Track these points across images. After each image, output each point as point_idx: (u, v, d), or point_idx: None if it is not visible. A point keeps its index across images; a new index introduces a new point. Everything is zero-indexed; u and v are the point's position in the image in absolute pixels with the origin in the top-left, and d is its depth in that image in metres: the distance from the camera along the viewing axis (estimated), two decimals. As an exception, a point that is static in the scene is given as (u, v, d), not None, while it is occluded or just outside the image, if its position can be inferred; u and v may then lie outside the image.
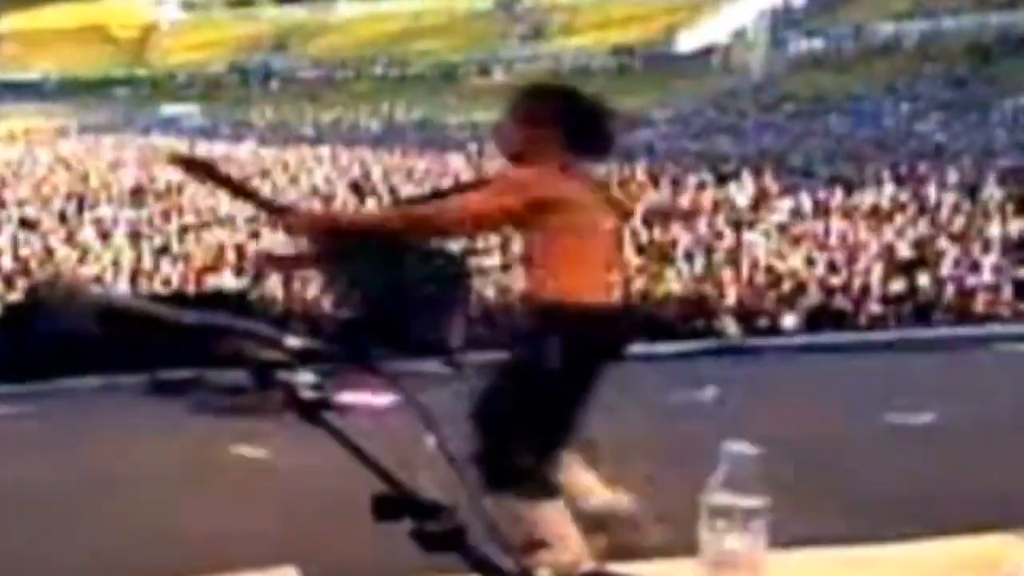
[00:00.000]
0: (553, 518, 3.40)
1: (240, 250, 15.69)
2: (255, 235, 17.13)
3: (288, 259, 5.24)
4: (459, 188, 4.31)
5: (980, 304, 11.56)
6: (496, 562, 0.99)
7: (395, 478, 1.08)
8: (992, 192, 18.16)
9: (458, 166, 27.38)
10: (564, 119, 3.68)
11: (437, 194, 4.25)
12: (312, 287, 12.91)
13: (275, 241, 16.58)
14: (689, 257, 14.68)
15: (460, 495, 1.12)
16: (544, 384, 3.52)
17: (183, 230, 18.18)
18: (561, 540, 3.36)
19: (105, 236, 17.73)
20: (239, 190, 4.36)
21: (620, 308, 3.79)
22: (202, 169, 4.14)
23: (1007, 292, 11.81)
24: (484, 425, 3.48)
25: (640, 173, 23.57)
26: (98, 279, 13.96)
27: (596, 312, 3.55)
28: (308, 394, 1.22)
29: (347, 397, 5.85)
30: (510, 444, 3.46)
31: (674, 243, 15.77)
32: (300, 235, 3.93)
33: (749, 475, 1.66)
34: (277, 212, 4.01)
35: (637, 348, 9.50)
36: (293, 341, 1.28)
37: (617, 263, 3.86)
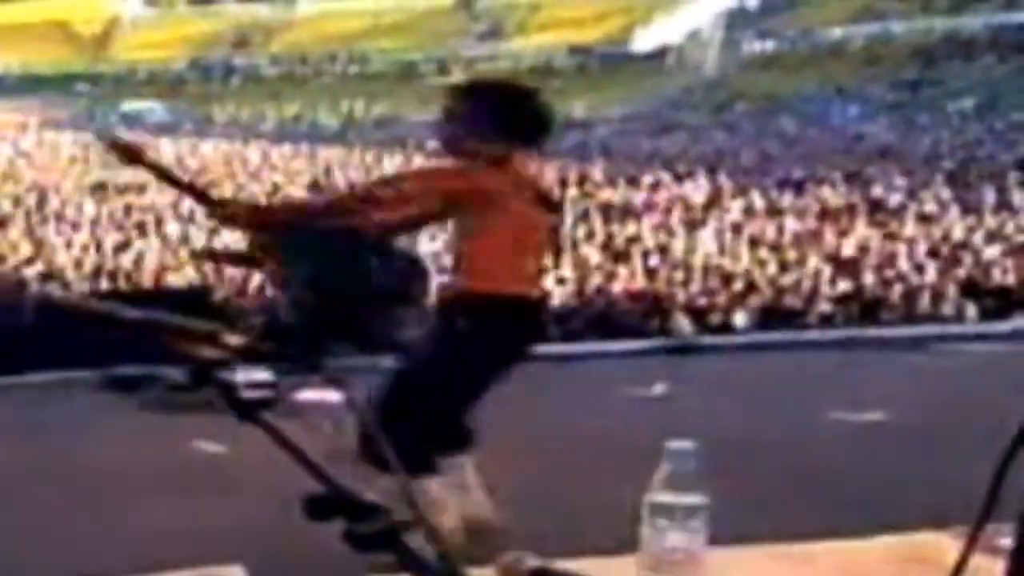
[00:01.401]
0: (428, 492, 3.54)
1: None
2: (215, 231, 17.00)
3: (232, 255, 5.15)
4: (388, 181, 4.37)
5: (925, 304, 11.71)
6: (429, 562, 0.99)
7: (330, 478, 1.08)
8: (938, 193, 18.40)
9: (417, 164, 27.30)
10: (491, 114, 3.78)
11: (367, 187, 4.39)
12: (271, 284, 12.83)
13: (233, 238, 16.50)
14: (644, 255, 14.75)
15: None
16: (441, 370, 3.70)
17: (143, 226, 18.04)
18: (432, 513, 3.47)
19: (66, 232, 17.56)
20: (170, 179, 4.39)
21: (537, 300, 3.82)
22: (130, 154, 4.17)
23: (951, 292, 11.97)
24: (376, 406, 3.62)
25: (596, 172, 23.64)
26: (56, 275, 13.79)
27: (507, 302, 3.65)
28: (246, 393, 1.21)
29: (304, 395, 5.84)
30: (396, 424, 3.42)
31: (631, 240, 15.85)
32: (235, 227, 3.95)
33: (690, 473, 1.68)
34: (211, 204, 4.04)
35: (589, 346, 9.57)
36: (233, 338, 1.27)
37: (541, 256, 3.89)
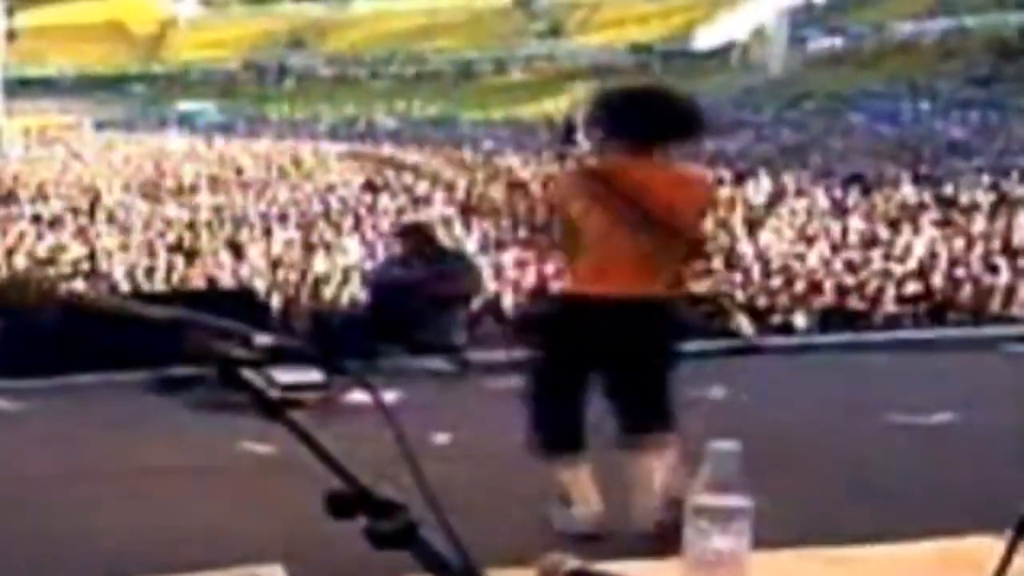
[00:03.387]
0: (569, 474, 4.00)
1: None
2: (268, 232, 17.17)
3: None
4: None
5: (996, 305, 11.49)
6: (447, 560, 0.98)
7: (353, 477, 1.07)
8: (1012, 191, 18.07)
9: (474, 165, 27.34)
10: (601, 121, 4.03)
11: None
12: (324, 285, 12.91)
13: (286, 239, 16.62)
14: (707, 256, 14.64)
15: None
16: (547, 364, 4.12)
17: (195, 227, 18.22)
18: (578, 496, 3.97)
19: (118, 233, 17.78)
20: None
21: (623, 300, 3.93)
22: None
23: (1023, 292, 11.73)
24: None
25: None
26: (107, 276, 13.98)
27: (589, 303, 3.91)
28: (273, 392, 1.20)
29: (354, 396, 5.85)
30: (534, 413, 4.08)
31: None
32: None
33: (734, 474, 1.65)
34: None
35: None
36: (261, 338, 1.26)
37: (639, 258, 3.93)
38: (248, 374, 1.23)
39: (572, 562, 1.32)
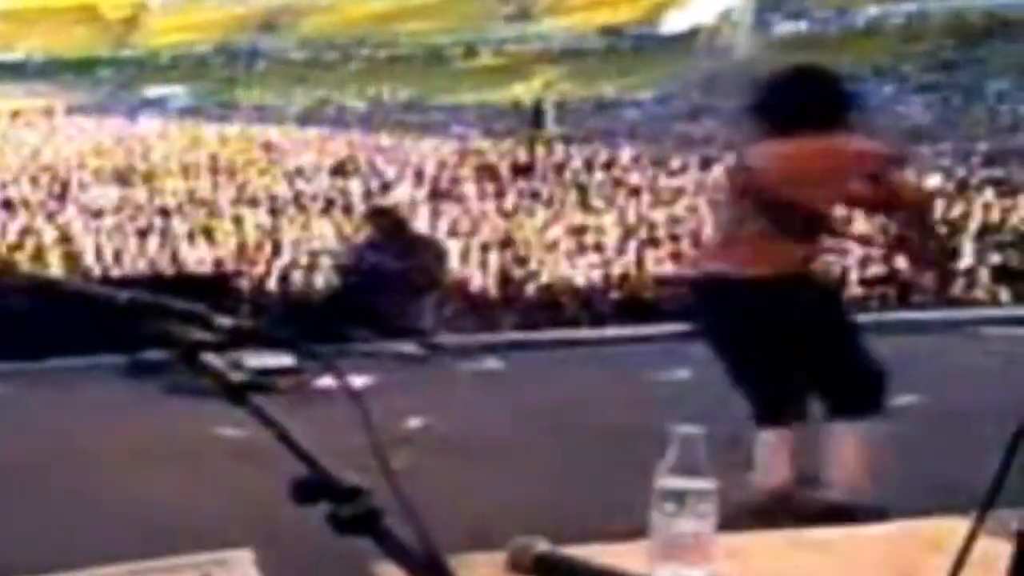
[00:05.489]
0: (763, 444, 3.99)
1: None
2: (238, 220, 17.07)
3: None
4: None
5: (958, 288, 11.59)
6: (409, 547, 0.98)
7: (317, 462, 1.07)
8: (974, 175, 18.20)
9: (445, 148, 27.25)
10: (759, 105, 4.09)
11: None
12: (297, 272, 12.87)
13: (259, 222, 16.55)
14: (675, 238, 14.71)
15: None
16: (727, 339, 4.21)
17: (166, 212, 18.09)
18: (762, 465, 3.94)
19: (88, 217, 17.63)
20: None
21: (770, 278, 3.94)
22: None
23: (984, 276, 11.84)
24: None
25: (624, 155, 23.57)
26: (77, 261, 13.88)
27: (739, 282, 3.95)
28: (235, 376, 1.19)
29: (327, 381, 5.84)
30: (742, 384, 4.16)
31: (653, 225, 15.81)
32: None
33: (699, 458, 1.66)
34: None
35: (617, 330, 9.52)
36: (225, 321, 1.25)
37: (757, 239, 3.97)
38: (210, 358, 1.22)
39: (542, 545, 1.33)
